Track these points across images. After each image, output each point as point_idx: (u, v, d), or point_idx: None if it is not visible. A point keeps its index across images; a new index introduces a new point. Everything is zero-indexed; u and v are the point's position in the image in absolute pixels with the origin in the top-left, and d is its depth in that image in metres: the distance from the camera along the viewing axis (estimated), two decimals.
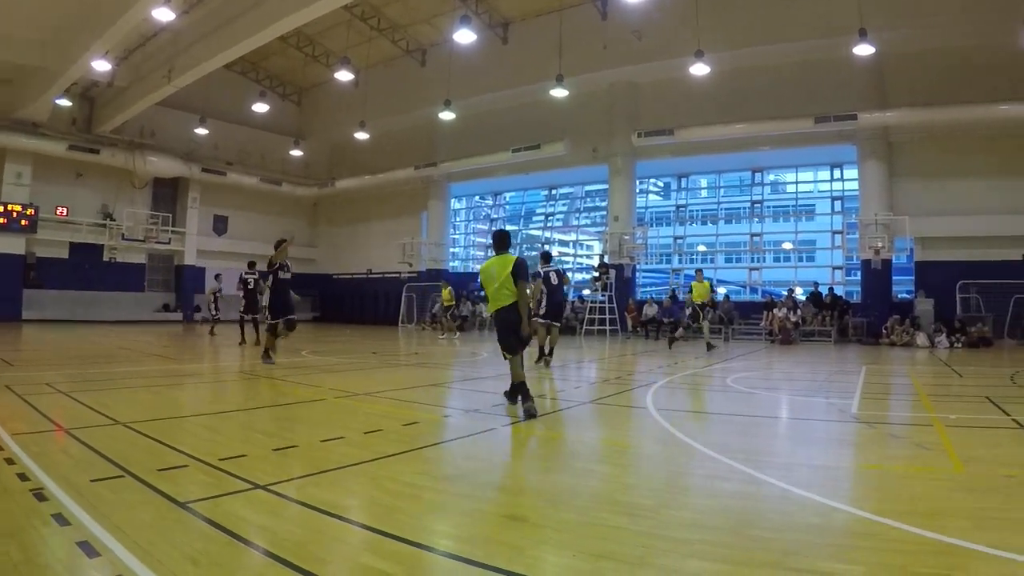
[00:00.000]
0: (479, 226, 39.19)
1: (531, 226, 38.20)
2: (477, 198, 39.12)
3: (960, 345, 21.00)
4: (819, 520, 4.00)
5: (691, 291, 18.63)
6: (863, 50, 20.40)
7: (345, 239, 40.37)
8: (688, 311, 19.65)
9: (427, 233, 36.17)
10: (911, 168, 24.78)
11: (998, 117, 22.45)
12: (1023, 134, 22.55)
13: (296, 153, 36.64)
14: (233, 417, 7.65)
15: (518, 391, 7.56)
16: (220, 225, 37.62)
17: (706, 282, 18.68)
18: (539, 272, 13.61)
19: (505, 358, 7.79)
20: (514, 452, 6.24)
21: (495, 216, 38.07)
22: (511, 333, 7.64)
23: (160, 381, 10.75)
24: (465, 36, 23.16)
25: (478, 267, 37.82)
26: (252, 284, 18.04)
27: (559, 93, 24.87)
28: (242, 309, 18.55)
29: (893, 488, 5.01)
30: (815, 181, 31.28)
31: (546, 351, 13.52)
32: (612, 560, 3.30)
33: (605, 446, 6.20)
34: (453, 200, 37.63)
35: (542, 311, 13.42)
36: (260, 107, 31.92)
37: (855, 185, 26.76)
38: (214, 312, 22.79)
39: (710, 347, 18.49)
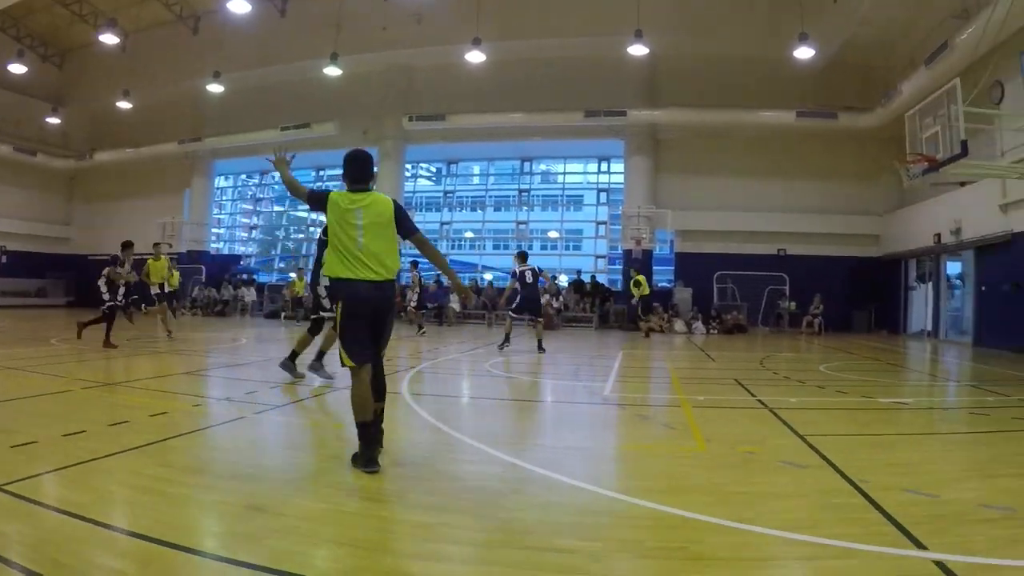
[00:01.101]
0: (245, 206, 37.38)
1: (299, 207, 36.67)
2: (244, 177, 37.10)
3: (716, 332, 23.13)
4: (562, 499, 4.14)
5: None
6: (638, 50, 21.84)
7: (103, 217, 36.26)
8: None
9: (189, 213, 33.82)
10: (675, 165, 27.02)
11: (759, 123, 25.21)
12: (780, 140, 25.70)
13: (54, 121, 33.19)
14: None
15: (369, 440, 4.76)
16: None
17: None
18: (515, 271, 14.64)
19: (347, 366, 4.88)
20: (261, 441, 6.01)
21: (261, 196, 36.58)
22: (386, 325, 5.04)
23: None
24: (240, 5, 22.12)
25: (242, 249, 35.95)
26: None
27: (333, 72, 24.31)
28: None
29: (637, 467, 5.37)
30: (584, 173, 32.70)
31: (540, 346, 14.04)
32: (351, 547, 3.31)
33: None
34: (219, 178, 35.72)
35: (514, 305, 14.33)
36: (17, 68, 28.49)
37: (621, 178, 28.68)
38: None
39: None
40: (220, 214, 36.61)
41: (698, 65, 25.53)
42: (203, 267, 31.33)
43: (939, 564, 3.16)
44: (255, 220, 37.29)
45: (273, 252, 37.30)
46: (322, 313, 9.05)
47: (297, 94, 29.12)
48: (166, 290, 16.25)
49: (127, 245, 13.64)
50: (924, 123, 14.83)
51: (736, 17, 23.21)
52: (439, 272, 21.54)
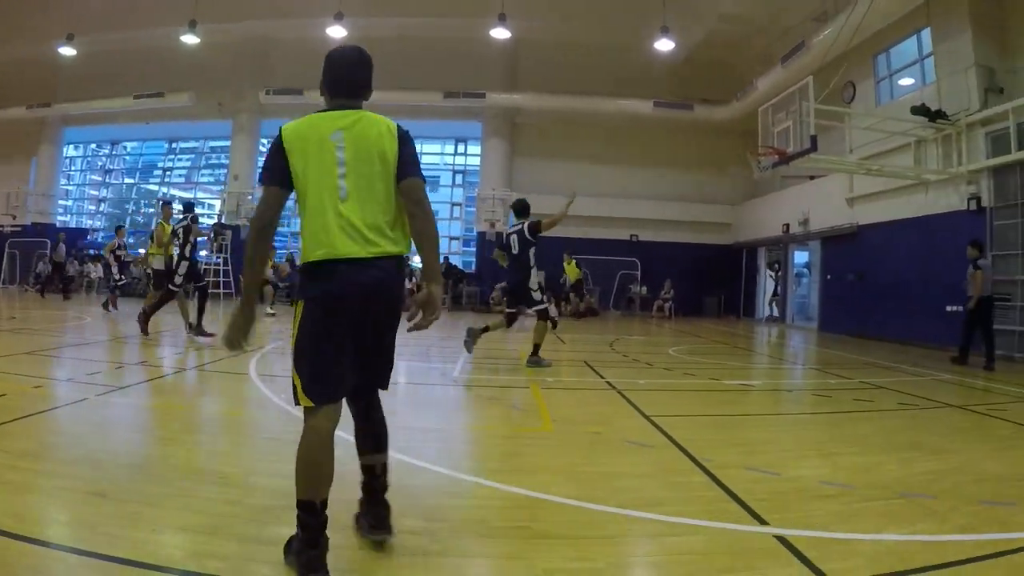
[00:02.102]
0: (94, 177, 35.03)
1: (150, 180, 34.80)
2: (94, 146, 34.84)
3: (569, 314, 23.46)
4: (409, 481, 4.06)
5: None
6: (500, 34, 22.01)
7: None
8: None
9: (35, 183, 31.39)
10: (532, 149, 27.57)
11: (616, 111, 26.03)
12: (637, 128, 26.67)
13: None
14: None
15: (312, 533, 2.86)
16: None
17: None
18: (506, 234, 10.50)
19: (301, 404, 3.04)
20: (104, 423, 5.61)
21: (112, 167, 34.41)
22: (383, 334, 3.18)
23: None
24: None
25: (91, 223, 33.71)
26: None
27: (191, 40, 23.08)
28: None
29: (484, 448, 5.41)
30: (441, 154, 32.66)
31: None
32: (192, 532, 3.19)
33: (199, 414, 5.93)
34: (69, 147, 33.34)
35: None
36: None
37: (478, 160, 29.08)
38: None
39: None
40: (68, 185, 34.22)
41: (560, 51, 26.06)
42: (47, 241, 28.95)
43: (779, 538, 3.30)
44: (104, 192, 35.01)
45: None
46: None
47: (153, 62, 27.51)
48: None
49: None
50: (777, 118, 15.62)
51: (600, 6, 23.67)
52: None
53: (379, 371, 3.24)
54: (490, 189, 26.73)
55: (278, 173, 3.01)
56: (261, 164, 3.44)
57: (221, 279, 25.20)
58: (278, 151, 3.04)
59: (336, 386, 2.94)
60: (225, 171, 29.93)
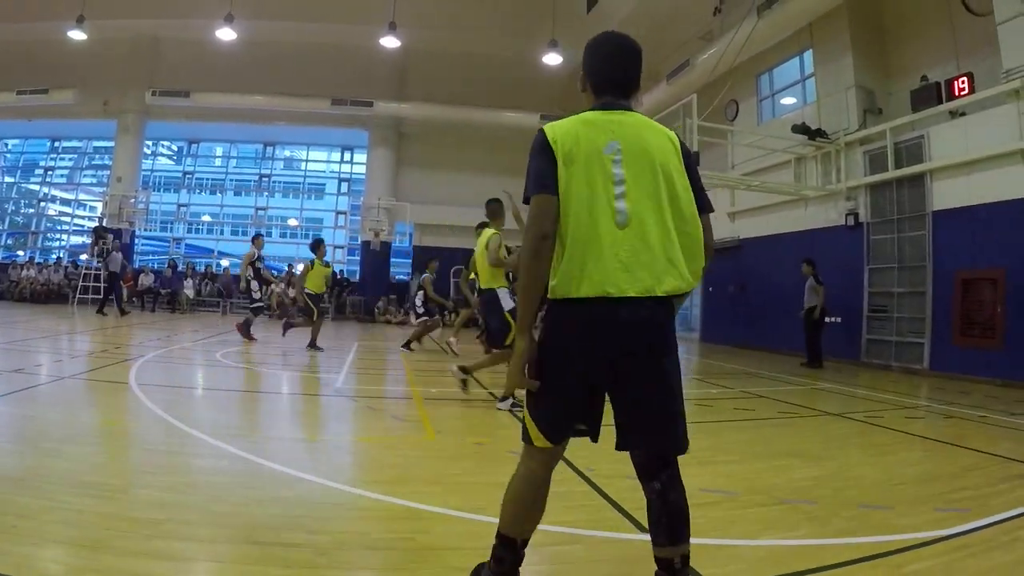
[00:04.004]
0: None
1: (31, 179, 33.02)
2: None
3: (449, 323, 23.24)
4: (290, 493, 4.03)
5: None
6: (390, 42, 21.90)
7: None
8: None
9: None
10: (418, 158, 27.74)
11: (502, 123, 26.36)
12: (523, 140, 25.98)
13: None
14: None
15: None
16: None
17: None
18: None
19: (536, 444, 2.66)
20: None
21: None
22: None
23: None
24: None
25: None
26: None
27: (77, 36, 22.08)
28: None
29: (366, 458, 5.30)
30: (327, 161, 32.69)
31: None
32: (72, 546, 3.07)
33: (77, 424, 5.57)
34: None
35: None
36: None
37: (363, 169, 29.09)
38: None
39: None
40: None
41: (449, 62, 26.41)
42: None
43: None
44: None
45: None
46: None
47: (38, 57, 26.34)
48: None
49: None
50: None
51: (490, 18, 24.09)
52: (178, 258, 20.32)
53: (661, 428, 2.59)
54: (375, 198, 26.82)
55: (538, 170, 2.53)
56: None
57: (103, 285, 23.97)
58: (545, 144, 2.55)
59: (571, 425, 2.56)
60: (108, 173, 28.70)
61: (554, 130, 2.55)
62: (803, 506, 4.11)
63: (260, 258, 14.38)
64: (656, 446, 2.56)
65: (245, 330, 13.77)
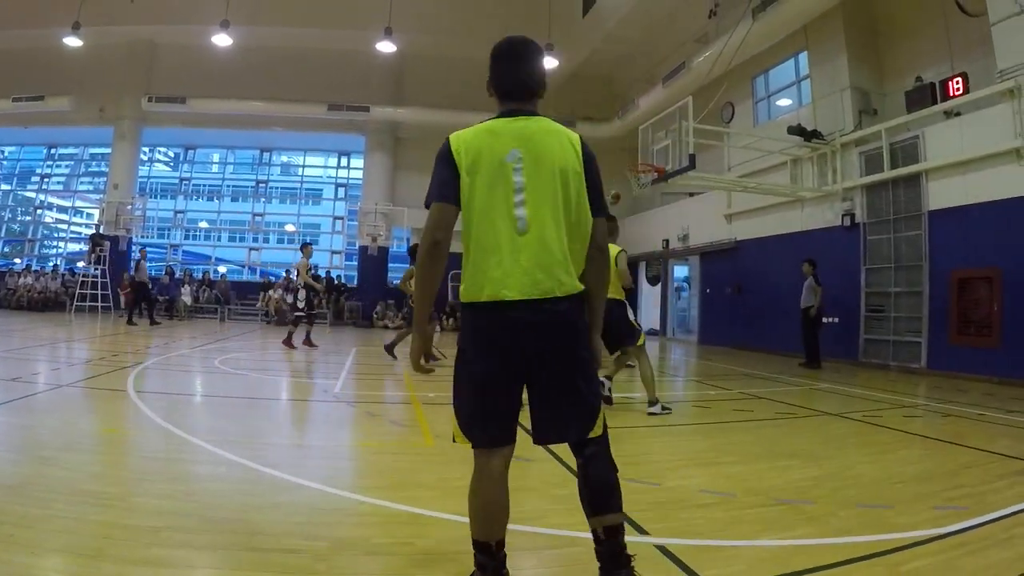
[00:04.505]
0: None
1: (28, 186, 32.87)
2: None
3: (451, 329, 23.53)
4: (288, 499, 4.03)
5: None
6: (386, 47, 21.94)
7: None
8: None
9: None
10: (414, 163, 27.55)
11: None
12: None
13: None
14: None
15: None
16: None
17: None
18: None
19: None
20: None
21: None
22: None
23: None
24: None
25: None
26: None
27: (74, 43, 22.05)
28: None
29: (365, 464, 5.31)
30: (324, 167, 32.75)
31: None
32: (71, 554, 3.07)
33: (75, 432, 5.57)
34: None
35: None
36: None
37: (360, 174, 29.11)
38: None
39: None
40: None
41: (445, 66, 26.36)
42: None
43: (660, 548, 3.34)
44: None
45: None
46: None
47: (34, 64, 26.31)
48: None
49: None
50: (657, 136, 16.04)
51: (485, 23, 24.03)
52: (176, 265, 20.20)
53: (571, 410, 2.70)
54: (372, 203, 26.78)
55: (440, 183, 2.71)
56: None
57: (99, 292, 24.16)
58: (448, 155, 2.74)
59: (500, 425, 2.68)
60: (105, 179, 28.68)
61: (458, 140, 2.70)
62: (802, 506, 4.12)
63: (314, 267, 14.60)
64: (569, 436, 2.72)
65: (289, 340, 14.19)
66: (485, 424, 2.65)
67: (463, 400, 2.69)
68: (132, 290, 20.95)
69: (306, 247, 14.80)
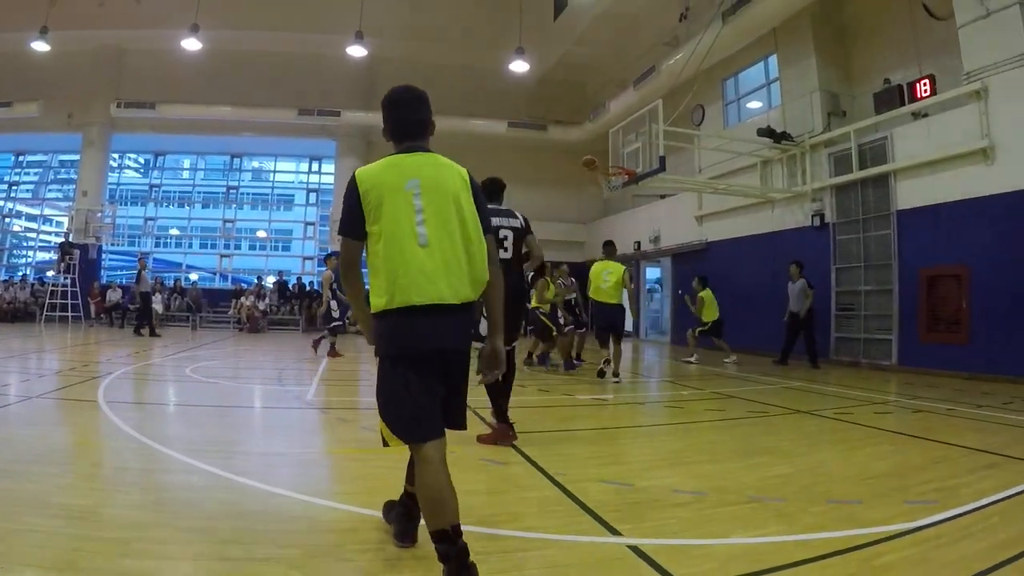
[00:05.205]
0: None
1: None
2: None
3: None
4: (260, 507, 3.99)
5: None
6: (356, 51, 21.94)
7: None
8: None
9: None
10: None
11: (471, 131, 26.34)
12: (492, 148, 26.95)
13: None
14: None
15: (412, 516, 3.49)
16: None
17: None
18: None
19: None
20: None
21: None
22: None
23: None
24: None
25: None
26: None
27: (41, 47, 21.87)
28: None
29: (337, 471, 5.26)
30: (296, 172, 32.58)
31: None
32: (42, 568, 3.04)
33: (45, 445, 5.47)
34: None
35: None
36: None
37: (332, 179, 28.99)
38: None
39: None
40: None
41: (416, 71, 26.02)
42: None
43: (633, 548, 3.34)
44: None
45: None
46: None
47: (1, 69, 25.77)
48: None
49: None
50: (627, 139, 16.09)
51: (456, 27, 24.23)
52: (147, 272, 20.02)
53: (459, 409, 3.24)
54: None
55: (350, 215, 3.10)
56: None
57: (69, 301, 23.85)
58: (354, 189, 3.08)
59: (430, 422, 3.00)
60: (74, 187, 28.28)
61: (363, 175, 3.08)
62: (773, 503, 4.12)
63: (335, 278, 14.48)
64: (459, 426, 3.21)
65: (332, 349, 14.10)
66: (419, 421, 2.95)
67: (392, 402, 3.00)
68: (140, 301, 20.49)
69: (329, 259, 14.79)
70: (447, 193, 3.05)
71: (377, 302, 2.97)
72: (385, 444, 3.06)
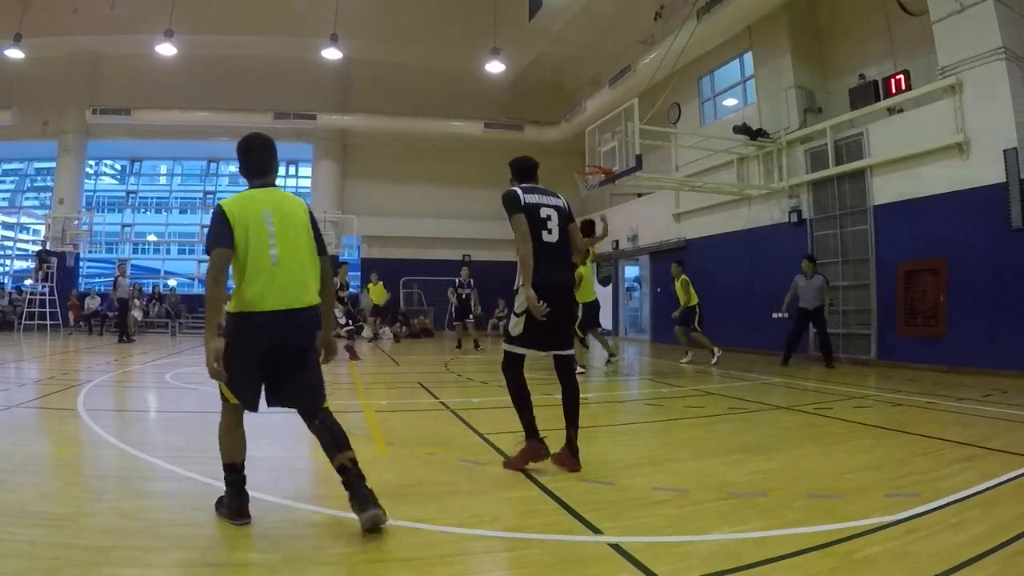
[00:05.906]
0: None
1: None
2: None
3: (404, 336, 23.65)
4: None
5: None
6: (332, 54, 21.81)
7: None
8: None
9: None
10: (363, 170, 27.72)
11: (447, 132, 26.62)
12: (468, 149, 27.25)
13: None
14: None
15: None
16: None
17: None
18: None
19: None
20: None
21: None
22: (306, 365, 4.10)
23: None
24: None
25: None
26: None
27: (15, 54, 21.65)
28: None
29: (318, 474, 5.16)
30: None
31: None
32: None
33: (25, 454, 5.41)
34: None
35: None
36: None
37: (309, 183, 28.99)
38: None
39: None
40: None
41: (392, 73, 26.42)
42: None
43: (614, 546, 3.34)
44: None
45: None
46: None
47: None
48: None
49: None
50: (603, 138, 16.08)
51: (433, 28, 24.15)
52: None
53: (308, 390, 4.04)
54: (322, 212, 26.33)
55: (216, 238, 3.78)
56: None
57: (48, 310, 23.64)
58: (223, 216, 3.76)
59: (255, 399, 3.93)
60: (50, 194, 27.99)
61: (229, 206, 3.80)
62: (754, 499, 4.14)
63: (343, 286, 14.94)
64: (306, 406, 3.99)
65: (352, 352, 14.26)
66: (247, 394, 3.85)
67: (233, 376, 3.73)
68: (119, 307, 20.31)
69: (340, 267, 15.00)
70: (294, 220, 3.92)
71: (233, 306, 3.77)
72: (223, 397, 3.92)
